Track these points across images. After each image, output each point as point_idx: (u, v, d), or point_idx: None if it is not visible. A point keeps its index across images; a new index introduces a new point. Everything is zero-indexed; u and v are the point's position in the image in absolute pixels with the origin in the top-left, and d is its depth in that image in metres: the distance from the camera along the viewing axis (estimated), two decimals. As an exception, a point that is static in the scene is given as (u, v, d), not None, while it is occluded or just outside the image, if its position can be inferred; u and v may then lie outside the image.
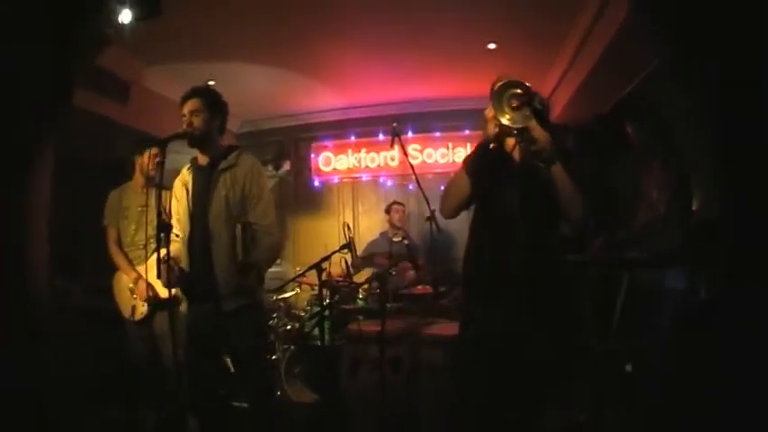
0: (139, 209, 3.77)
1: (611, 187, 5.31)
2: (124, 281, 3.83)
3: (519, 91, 2.30)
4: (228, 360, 3.47)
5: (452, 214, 2.68)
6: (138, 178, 3.92)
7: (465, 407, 2.63)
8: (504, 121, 2.30)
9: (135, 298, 3.77)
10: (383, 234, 6.15)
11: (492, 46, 5.32)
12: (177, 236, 3.21)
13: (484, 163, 2.54)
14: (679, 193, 3.47)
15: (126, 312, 3.80)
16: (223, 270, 2.92)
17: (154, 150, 3.41)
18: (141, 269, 3.66)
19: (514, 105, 2.29)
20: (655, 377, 3.49)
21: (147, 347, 3.79)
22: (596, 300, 4.11)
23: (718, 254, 3.35)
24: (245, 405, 3.22)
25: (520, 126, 2.30)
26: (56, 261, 3.02)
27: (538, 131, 2.31)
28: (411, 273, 5.37)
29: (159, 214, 2.78)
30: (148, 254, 3.63)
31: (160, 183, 2.83)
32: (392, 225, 6.06)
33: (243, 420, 3.20)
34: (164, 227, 2.76)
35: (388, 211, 6.15)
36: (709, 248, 3.44)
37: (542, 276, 2.43)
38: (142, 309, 3.75)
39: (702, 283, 3.40)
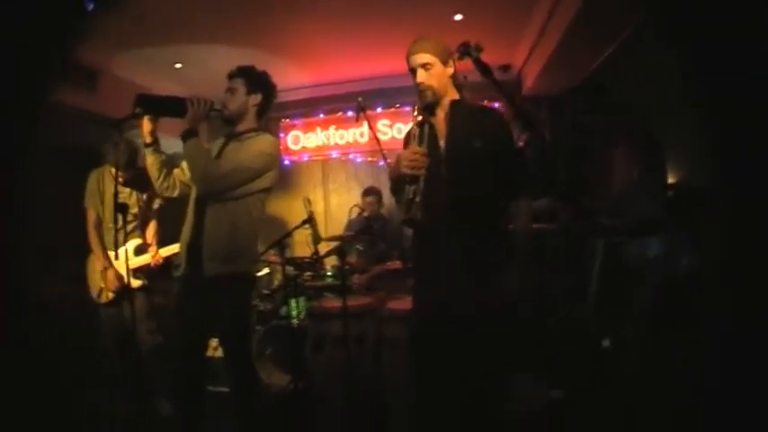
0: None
1: (581, 160, 5.28)
2: (96, 263, 3.90)
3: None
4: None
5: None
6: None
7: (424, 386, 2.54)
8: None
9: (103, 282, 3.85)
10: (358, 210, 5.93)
11: (458, 17, 5.21)
12: (135, 216, 3.70)
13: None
14: (650, 163, 3.41)
15: (94, 294, 3.90)
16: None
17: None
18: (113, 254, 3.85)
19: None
20: (631, 351, 3.45)
21: (115, 331, 3.86)
22: (571, 273, 4.07)
23: (702, 221, 3.31)
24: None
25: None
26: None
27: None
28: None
29: (116, 195, 2.89)
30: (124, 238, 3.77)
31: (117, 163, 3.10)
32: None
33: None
34: (121, 207, 2.92)
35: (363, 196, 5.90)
36: (692, 216, 3.39)
37: (479, 253, 2.36)
38: (108, 293, 3.85)
39: (684, 251, 3.35)
